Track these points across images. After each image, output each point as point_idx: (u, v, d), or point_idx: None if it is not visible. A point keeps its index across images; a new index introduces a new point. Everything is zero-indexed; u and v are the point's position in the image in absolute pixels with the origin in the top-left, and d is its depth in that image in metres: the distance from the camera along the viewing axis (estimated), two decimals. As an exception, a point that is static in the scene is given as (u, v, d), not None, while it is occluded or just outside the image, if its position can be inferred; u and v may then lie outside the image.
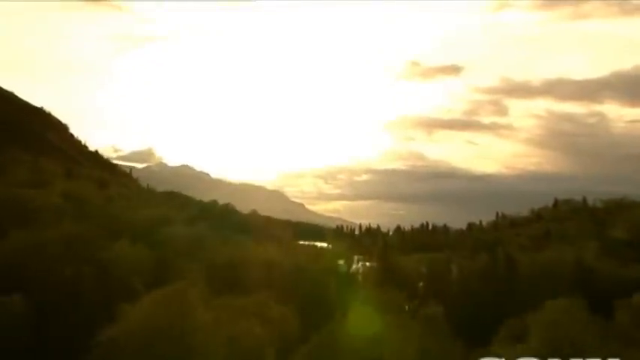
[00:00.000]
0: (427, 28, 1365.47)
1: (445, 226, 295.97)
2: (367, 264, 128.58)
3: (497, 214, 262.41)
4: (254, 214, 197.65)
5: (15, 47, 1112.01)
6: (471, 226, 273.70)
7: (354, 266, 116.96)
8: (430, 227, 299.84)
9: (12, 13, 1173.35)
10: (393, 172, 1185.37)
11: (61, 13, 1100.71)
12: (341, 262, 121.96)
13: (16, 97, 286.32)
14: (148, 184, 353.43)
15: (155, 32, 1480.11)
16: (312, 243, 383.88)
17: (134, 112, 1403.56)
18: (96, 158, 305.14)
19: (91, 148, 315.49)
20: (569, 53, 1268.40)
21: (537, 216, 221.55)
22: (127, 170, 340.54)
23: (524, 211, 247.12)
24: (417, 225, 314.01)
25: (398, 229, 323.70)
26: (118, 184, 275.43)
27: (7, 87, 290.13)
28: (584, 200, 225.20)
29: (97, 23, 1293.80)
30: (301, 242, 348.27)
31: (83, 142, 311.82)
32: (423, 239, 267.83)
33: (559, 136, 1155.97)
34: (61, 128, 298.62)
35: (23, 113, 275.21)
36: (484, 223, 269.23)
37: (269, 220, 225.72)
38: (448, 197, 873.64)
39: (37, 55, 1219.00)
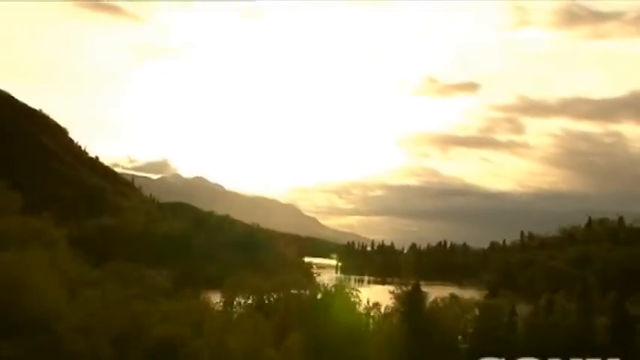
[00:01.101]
0: (444, 44, 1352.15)
1: (465, 245, 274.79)
2: (390, 299, 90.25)
3: (522, 233, 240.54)
4: (254, 228, 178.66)
5: (33, 57, 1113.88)
6: (493, 245, 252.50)
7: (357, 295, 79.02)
8: (448, 246, 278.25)
9: (31, 23, 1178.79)
10: (407, 188, 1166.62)
11: (80, 24, 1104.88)
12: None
13: (12, 98, 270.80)
14: (151, 194, 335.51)
15: (172, 43, 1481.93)
16: (320, 261, 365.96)
17: (150, 123, 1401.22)
18: (95, 165, 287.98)
19: (92, 154, 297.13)
20: (586, 72, 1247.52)
21: (570, 236, 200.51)
22: (129, 179, 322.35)
23: (551, 230, 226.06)
24: (432, 242, 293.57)
25: (413, 247, 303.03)
26: (115, 193, 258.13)
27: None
28: (621, 220, 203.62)
29: (115, 34, 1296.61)
30: (310, 259, 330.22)
31: (83, 148, 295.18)
32: (442, 259, 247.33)
33: (575, 155, 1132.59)
34: (59, 132, 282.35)
35: (19, 115, 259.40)
36: (507, 242, 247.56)
37: (270, 234, 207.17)
38: (462, 214, 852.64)
39: (55, 65, 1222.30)
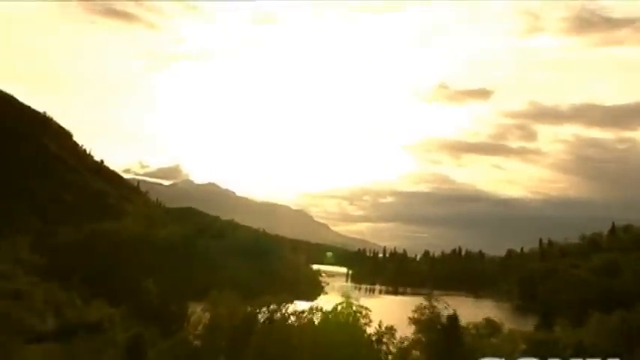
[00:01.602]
0: (456, 51, 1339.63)
1: (481, 252, 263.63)
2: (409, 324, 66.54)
3: (540, 241, 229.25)
4: (260, 234, 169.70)
5: (47, 64, 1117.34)
6: (510, 253, 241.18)
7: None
8: (463, 253, 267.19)
9: (45, 30, 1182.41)
10: (418, 195, 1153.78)
11: (94, 31, 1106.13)
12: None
13: (15, 100, 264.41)
14: (157, 199, 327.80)
15: (185, 51, 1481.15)
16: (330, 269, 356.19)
17: (163, 129, 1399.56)
18: (100, 169, 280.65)
19: (103, 159, 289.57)
20: (598, 78, 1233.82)
21: (592, 244, 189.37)
22: (135, 184, 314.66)
23: (567, 238, 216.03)
24: (443, 249, 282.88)
25: (426, 254, 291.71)
26: (119, 197, 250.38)
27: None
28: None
29: (129, 41, 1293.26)
30: (319, 266, 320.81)
31: (88, 151, 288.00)
32: (457, 267, 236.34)
33: (586, 162, 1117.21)
34: (62, 135, 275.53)
35: (22, 118, 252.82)
36: (525, 249, 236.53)
37: (279, 241, 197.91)
38: (473, 221, 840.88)
39: (68, 71, 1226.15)
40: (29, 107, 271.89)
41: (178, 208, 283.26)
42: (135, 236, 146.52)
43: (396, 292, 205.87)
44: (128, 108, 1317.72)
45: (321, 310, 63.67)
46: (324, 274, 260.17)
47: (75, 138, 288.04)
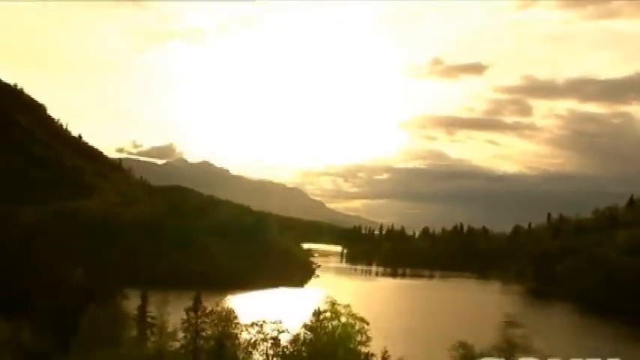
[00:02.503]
0: (450, 26, 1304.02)
1: (485, 229, 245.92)
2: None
3: (549, 216, 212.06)
4: (244, 211, 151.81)
5: (38, 44, 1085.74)
6: (517, 230, 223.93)
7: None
8: (465, 230, 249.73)
9: (36, 10, 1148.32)
10: (413, 171, 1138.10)
11: (82, 9, 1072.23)
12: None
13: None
14: (142, 177, 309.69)
15: (178, 29, 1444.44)
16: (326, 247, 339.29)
17: (155, 108, 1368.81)
18: (78, 145, 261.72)
19: (74, 133, 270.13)
20: (594, 52, 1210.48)
21: (610, 219, 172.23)
22: (117, 162, 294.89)
23: (571, 212, 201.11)
24: (445, 226, 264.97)
25: (425, 231, 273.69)
26: (95, 175, 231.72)
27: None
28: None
29: (118, 19, 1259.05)
30: (312, 245, 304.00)
31: (64, 126, 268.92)
32: (460, 245, 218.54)
33: (582, 137, 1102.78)
34: (35, 109, 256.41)
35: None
36: (533, 225, 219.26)
37: (271, 218, 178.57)
38: (469, 197, 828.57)
39: (60, 52, 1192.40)
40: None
41: (166, 186, 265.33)
42: (99, 216, 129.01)
43: (394, 274, 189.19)
44: (120, 87, 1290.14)
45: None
46: (316, 254, 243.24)
47: (51, 112, 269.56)
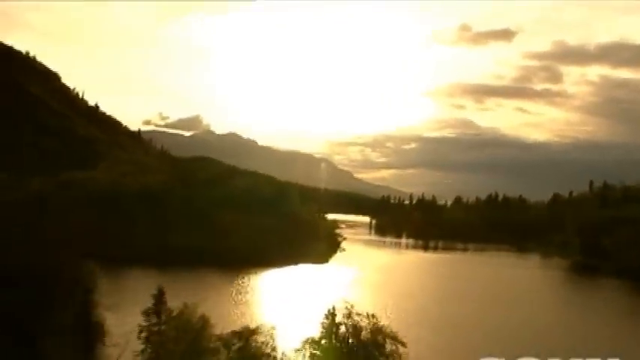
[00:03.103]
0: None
1: (521, 198, 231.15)
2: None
3: (591, 183, 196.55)
4: (262, 180, 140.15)
5: (61, 18, 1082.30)
6: (557, 198, 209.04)
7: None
8: (500, 199, 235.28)
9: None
10: (442, 140, 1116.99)
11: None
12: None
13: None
14: (162, 147, 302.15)
15: (201, 1, 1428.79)
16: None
17: (182, 80, 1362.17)
18: (94, 115, 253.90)
19: (91, 103, 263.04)
20: (628, 16, 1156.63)
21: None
22: (136, 132, 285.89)
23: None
24: (476, 195, 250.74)
25: (458, 201, 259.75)
26: (111, 144, 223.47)
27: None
28: None
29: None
30: (340, 216, 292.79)
31: (80, 95, 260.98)
32: (496, 215, 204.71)
33: (614, 104, 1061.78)
34: (49, 78, 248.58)
35: (3, 60, 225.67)
36: (574, 194, 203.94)
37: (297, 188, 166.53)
38: (499, 166, 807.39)
39: (84, 25, 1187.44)
40: (11, 48, 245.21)
41: (187, 157, 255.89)
42: (105, 187, 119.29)
43: (425, 247, 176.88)
44: (145, 60, 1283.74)
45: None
46: (344, 226, 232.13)
47: (68, 82, 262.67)
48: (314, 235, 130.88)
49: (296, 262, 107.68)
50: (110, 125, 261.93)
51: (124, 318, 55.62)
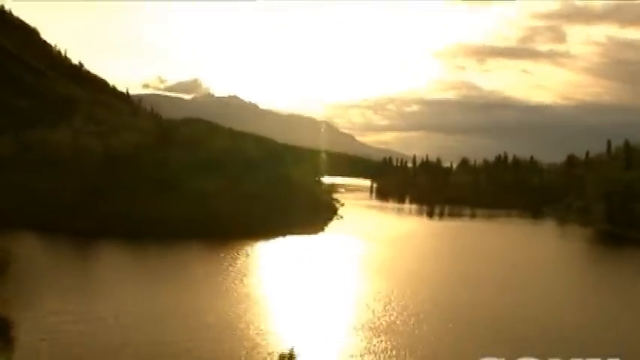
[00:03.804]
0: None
1: (533, 159, 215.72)
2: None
3: (609, 143, 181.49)
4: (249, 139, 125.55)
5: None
6: (572, 160, 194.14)
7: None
8: (510, 161, 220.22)
9: None
10: (445, 103, 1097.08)
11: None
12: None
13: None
14: (152, 108, 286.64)
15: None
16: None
17: (181, 42, 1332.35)
18: (77, 73, 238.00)
19: (75, 60, 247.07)
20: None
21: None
22: (124, 93, 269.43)
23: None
24: (485, 157, 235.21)
25: (464, 163, 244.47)
26: (93, 105, 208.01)
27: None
28: None
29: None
30: (339, 179, 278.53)
31: (62, 53, 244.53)
32: (506, 178, 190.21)
33: (621, 65, 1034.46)
34: (26, 33, 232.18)
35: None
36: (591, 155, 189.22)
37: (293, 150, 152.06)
38: (503, 129, 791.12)
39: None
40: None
41: (179, 119, 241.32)
42: (67, 149, 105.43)
43: (430, 213, 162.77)
44: (144, 22, 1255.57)
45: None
46: (343, 190, 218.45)
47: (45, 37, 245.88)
48: (308, 202, 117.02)
49: (285, 233, 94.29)
50: (95, 85, 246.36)
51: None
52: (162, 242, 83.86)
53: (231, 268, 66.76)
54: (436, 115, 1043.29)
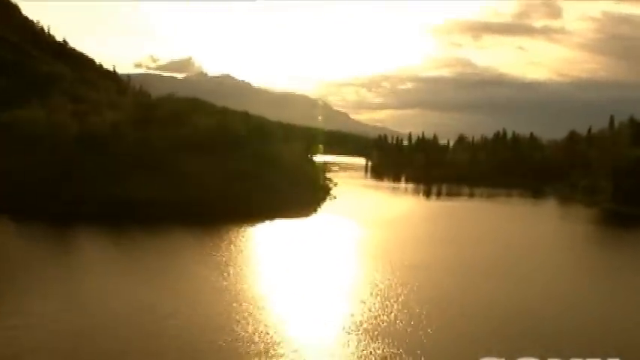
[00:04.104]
0: None
1: (533, 136, 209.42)
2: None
3: (611, 119, 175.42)
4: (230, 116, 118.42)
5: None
6: (573, 137, 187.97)
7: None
8: (509, 137, 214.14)
9: None
10: (439, 80, 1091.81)
11: None
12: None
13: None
14: (141, 87, 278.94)
15: None
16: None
17: (173, 21, 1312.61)
18: (61, 51, 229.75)
19: (59, 38, 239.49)
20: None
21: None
22: (111, 71, 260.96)
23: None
24: (481, 135, 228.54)
25: (461, 140, 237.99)
26: (75, 82, 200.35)
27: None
28: None
29: None
30: (332, 158, 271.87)
31: (46, 30, 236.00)
32: (506, 155, 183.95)
33: (617, 41, 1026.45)
34: (6, 8, 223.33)
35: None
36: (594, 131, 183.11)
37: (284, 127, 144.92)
38: (499, 106, 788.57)
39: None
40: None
41: (165, 95, 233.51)
42: (42, 128, 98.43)
43: (428, 193, 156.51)
44: (135, 1, 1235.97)
45: None
46: (337, 168, 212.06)
47: (28, 13, 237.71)
48: (298, 181, 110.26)
49: (273, 217, 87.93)
50: (80, 63, 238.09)
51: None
52: (139, 227, 77.62)
53: (212, 259, 60.45)
54: (431, 93, 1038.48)
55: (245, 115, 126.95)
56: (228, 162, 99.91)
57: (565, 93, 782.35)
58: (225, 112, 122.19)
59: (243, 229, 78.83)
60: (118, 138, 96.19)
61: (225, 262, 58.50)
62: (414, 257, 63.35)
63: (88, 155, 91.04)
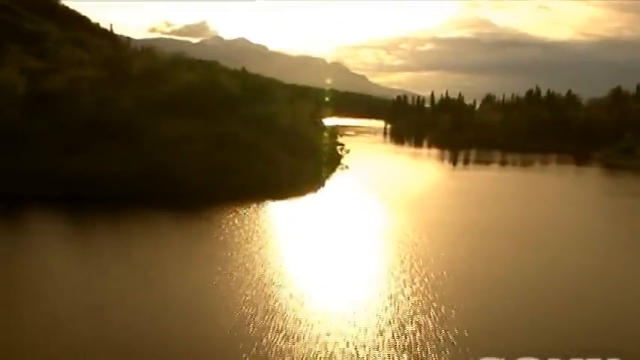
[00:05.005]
0: None
1: (571, 94, 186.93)
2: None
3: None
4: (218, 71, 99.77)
5: None
6: (618, 95, 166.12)
7: None
8: (543, 96, 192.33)
9: None
10: (459, 41, 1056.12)
11: None
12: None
13: None
14: (142, 48, 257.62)
15: None
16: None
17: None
18: (53, 9, 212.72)
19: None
20: None
21: None
22: (108, 29, 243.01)
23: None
24: (507, 95, 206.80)
25: (489, 99, 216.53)
26: (63, 41, 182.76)
27: None
28: None
29: None
30: (348, 121, 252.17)
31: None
32: (544, 116, 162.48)
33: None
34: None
35: None
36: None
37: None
38: (521, 67, 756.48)
39: None
40: None
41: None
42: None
43: (454, 159, 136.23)
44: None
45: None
46: (352, 132, 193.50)
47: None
48: (302, 149, 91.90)
49: (265, 197, 70.09)
50: (72, 22, 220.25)
51: None
52: (93, 211, 61.00)
53: (181, 260, 43.66)
54: (451, 54, 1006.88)
55: (241, 73, 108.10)
56: (215, 126, 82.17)
57: (588, 54, 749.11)
58: (213, 67, 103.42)
59: (223, 214, 61.34)
60: (74, 99, 78.67)
61: (194, 264, 41.50)
62: (451, 263, 45.41)
63: (38, 120, 74.02)
